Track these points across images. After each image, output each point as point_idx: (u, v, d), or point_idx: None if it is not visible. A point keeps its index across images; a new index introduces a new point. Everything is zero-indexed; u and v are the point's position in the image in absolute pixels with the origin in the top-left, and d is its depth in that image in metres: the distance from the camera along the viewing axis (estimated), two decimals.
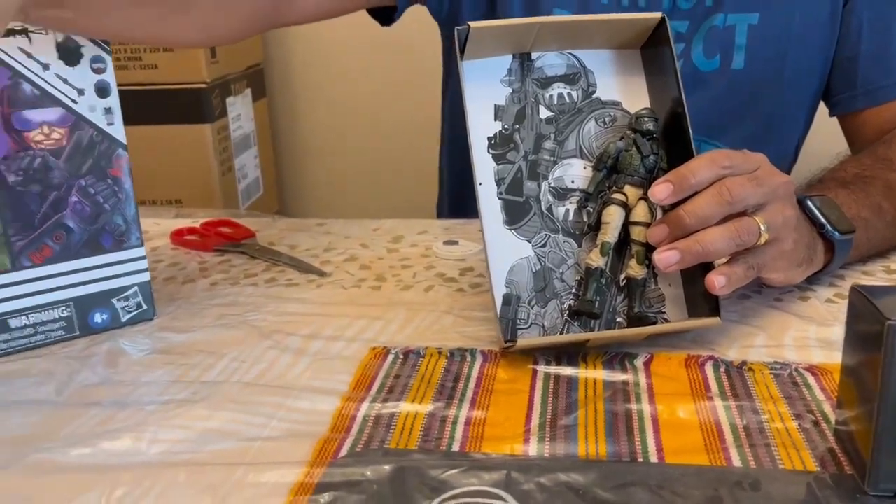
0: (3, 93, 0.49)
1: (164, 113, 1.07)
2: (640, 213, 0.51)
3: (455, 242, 0.70)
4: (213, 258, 0.70)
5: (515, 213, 0.52)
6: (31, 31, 0.49)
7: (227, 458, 0.40)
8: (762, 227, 0.48)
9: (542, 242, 0.52)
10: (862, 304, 0.36)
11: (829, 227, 0.55)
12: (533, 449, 0.40)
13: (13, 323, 0.52)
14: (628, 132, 0.52)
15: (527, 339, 0.49)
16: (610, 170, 0.52)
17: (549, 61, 0.54)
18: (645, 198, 0.51)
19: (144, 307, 0.57)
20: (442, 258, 0.67)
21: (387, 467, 0.38)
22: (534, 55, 0.54)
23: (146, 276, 0.56)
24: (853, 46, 0.74)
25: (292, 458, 0.40)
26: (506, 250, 0.51)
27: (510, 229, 0.52)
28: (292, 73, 1.42)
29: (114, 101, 0.53)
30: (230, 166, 1.17)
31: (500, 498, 0.36)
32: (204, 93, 1.08)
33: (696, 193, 0.48)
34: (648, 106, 0.53)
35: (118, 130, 0.53)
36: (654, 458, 0.39)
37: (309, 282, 0.64)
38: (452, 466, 0.38)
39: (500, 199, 0.52)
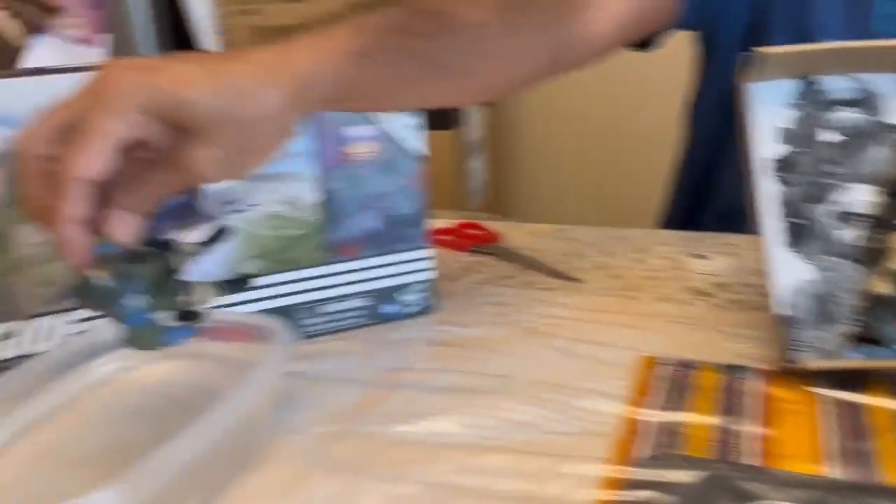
0: (335, 114, 0.57)
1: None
2: None
3: (704, 257, 0.71)
4: (469, 258, 0.76)
5: (797, 236, 0.53)
6: None
7: (534, 447, 0.45)
8: None
9: (826, 266, 0.52)
10: None
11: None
12: (834, 472, 0.41)
13: (324, 309, 0.60)
14: None
15: (812, 361, 0.50)
16: None
17: (836, 85, 0.54)
18: None
19: (427, 302, 0.63)
20: (695, 272, 0.69)
21: (692, 472, 0.41)
22: (818, 78, 0.54)
23: (430, 274, 0.63)
24: None
25: (591, 454, 0.44)
26: (785, 272, 0.52)
27: (791, 251, 0.53)
28: None
29: (418, 118, 0.59)
30: (463, 170, 1.24)
31: None
32: None
33: None
34: None
35: (419, 144, 0.60)
36: None
37: (564, 287, 0.68)
38: (760, 480, 0.40)
39: (781, 221, 0.53)
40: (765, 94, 0.54)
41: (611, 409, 0.48)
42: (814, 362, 0.50)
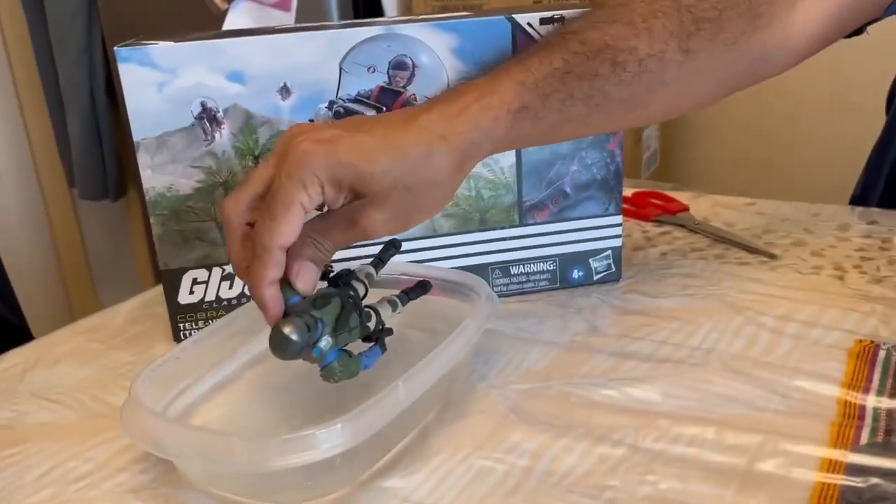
0: None
1: None
2: None
3: None
4: (654, 229, 0.74)
5: None
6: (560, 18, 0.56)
7: (745, 422, 0.43)
8: None
9: None
10: None
11: None
12: None
13: (513, 269, 0.61)
14: None
15: None
16: None
17: None
18: None
19: (613, 269, 0.62)
20: None
21: None
22: None
23: (619, 242, 0.62)
24: None
25: (810, 435, 0.42)
26: None
27: None
28: None
29: None
30: (639, 138, 1.21)
31: None
32: None
33: None
34: None
35: None
36: None
37: (760, 263, 0.65)
38: None
39: None
40: None
41: (827, 391, 0.46)
42: None
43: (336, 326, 0.42)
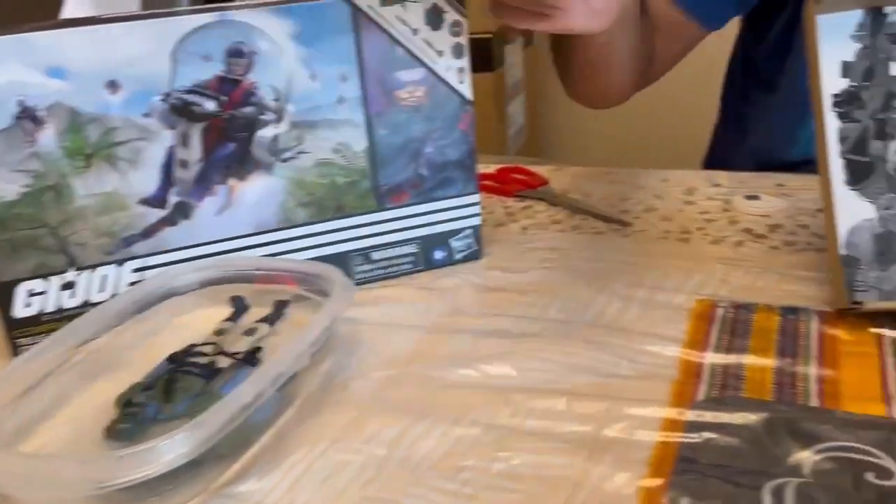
0: (381, 56, 0.56)
1: None
2: None
3: (756, 197, 0.70)
4: (516, 203, 0.75)
5: (858, 174, 0.52)
6: (407, 0, 0.55)
7: (595, 390, 0.45)
8: None
9: (888, 205, 0.51)
10: None
11: None
12: (895, 412, 0.41)
13: (374, 255, 0.60)
14: None
15: (874, 302, 0.49)
16: None
17: None
18: None
19: (474, 248, 0.63)
20: (746, 213, 0.68)
21: (753, 415, 0.41)
22: (887, 9, 0.52)
23: (478, 220, 0.63)
24: None
25: (652, 397, 0.44)
26: (845, 211, 0.51)
27: (852, 189, 0.51)
28: None
29: (465, 61, 0.58)
30: (503, 113, 1.23)
31: (875, 456, 0.37)
32: (490, 42, 1.14)
33: None
34: None
35: (466, 88, 0.59)
36: None
37: (614, 231, 0.67)
38: (822, 420, 0.40)
39: (842, 158, 0.52)
40: (830, 26, 0.52)
41: (670, 352, 0.48)
42: (874, 303, 0.49)
43: (167, 397, 0.45)
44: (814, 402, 0.42)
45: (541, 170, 0.83)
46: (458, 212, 0.62)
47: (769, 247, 0.61)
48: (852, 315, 0.50)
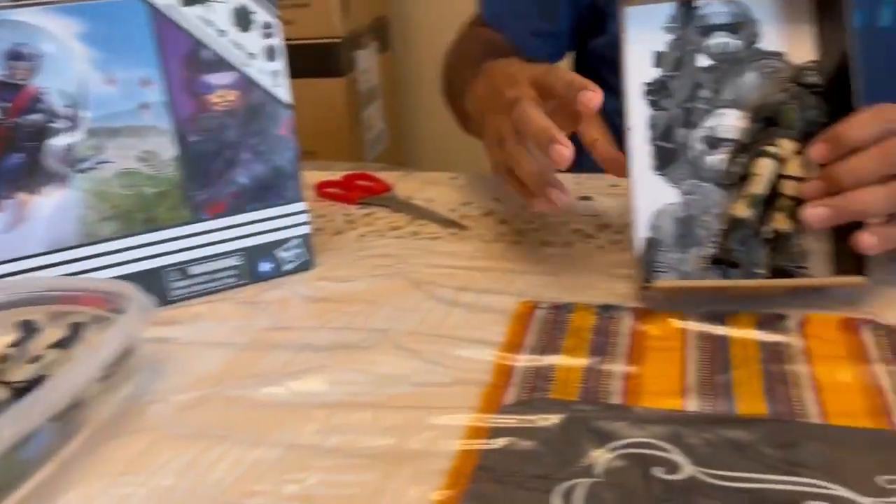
0: (186, 59, 0.53)
1: (301, 68, 1.10)
2: (794, 167, 0.51)
3: (589, 198, 0.71)
4: (358, 211, 0.74)
5: (665, 159, 0.53)
6: (210, 1, 0.52)
7: (403, 401, 0.44)
8: None
9: (690, 190, 0.53)
10: None
11: None
12: (692, 405, 0.41)
13: (192, 270, 0.57)
14: (790, 84, 0.52)
15: (664, 280, 0.51)
16: (767, 122, 0.52)
17: (714, 9, 0.54)
18: (802, 152, 0.51)
19: (305, 258, 0.61)
20: (578, 213, 0.68)
21: (555, 416, 0.41)
22: (698, 3, 0.54)
23: (306, 229, 0.60)
24: None
25: (461, 404, 0.43)
26: (651, 195, 0.52)
27: (658, 174, 0.53)
28: (416, 25, 1.44)
29: (281, 64, 0.56)
30: (358, 119, 1.20)
31: (666, 450, 0.38)
32: (337, 47, 1.11)
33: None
34: (812, 58, 0.52)
35: (284, 92, 0.57)
36: (816, 420, 0.40)
37: (451, 235, 0.66)
38: (617, 418, 0.40)
39: (650, 144, 0.53)
40: (641, 17, 0.53)
41: (486, 356, 0.48)
42: (667, 282, 0.50)
43: None
44: (616, 399, 0.42)
45: (388, 176, 0.82)
46: (284, 221, 0.59)
47: (596, 246, 0.62)
48: (663, 311, 0.51)
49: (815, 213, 0.48)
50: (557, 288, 0.56)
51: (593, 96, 0.49)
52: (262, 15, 0.54)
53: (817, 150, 0.48)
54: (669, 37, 0.54)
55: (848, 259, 0.49)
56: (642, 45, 0.53)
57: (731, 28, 0.53)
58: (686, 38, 0.54)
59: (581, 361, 0.46)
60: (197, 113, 0.54)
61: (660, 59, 0.54)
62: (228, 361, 0.49)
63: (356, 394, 0.45)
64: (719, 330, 0.48)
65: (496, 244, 0.64)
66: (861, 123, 0.47)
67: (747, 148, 0.52)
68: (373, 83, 1.30)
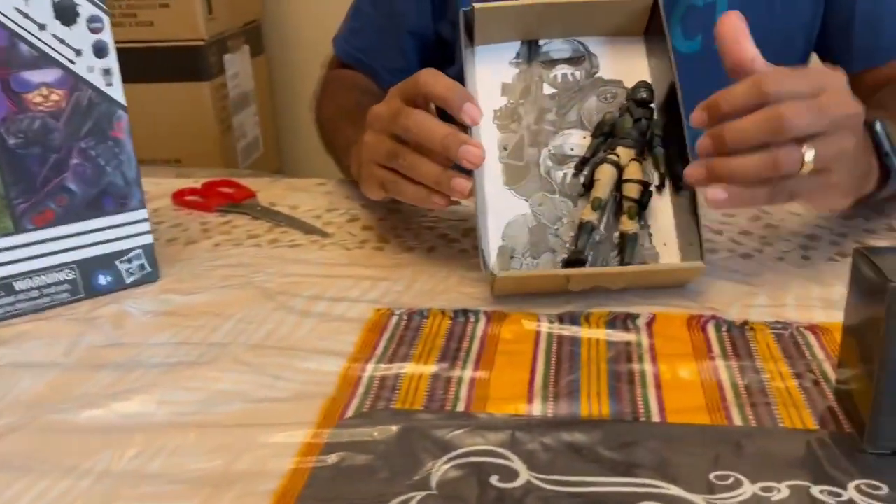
0: (1, 54, 0.48)
1: (162, 71, 1.05)
2: (633, 171, 0.53)
3: (458, 203, 0.70)
4: (216, 219, 0.70)
5: (515, 175, 0.55)
6: None
7: (236, 419, 0.41)
8: (807, 157, 0.45)
9: (540, 202, 0.55)
10: (865, 266, 0.36)
11: (892, 156, 0.52)
12: (536, 409, 0.40)
13: (18, 285, 0.52)
14: (624, 101, 0.55)
15: (508, 272, 0.52)
16: (606, 136, 0.55)
17: (556, 47, 0.58)
18: (637, 158, 0.54)
19: (148, 269, 0.57)
20: (445, 218, 0.67)
21: (393, 427, 0.39)
22: (541, 41, 0.58)
23: (149, 238, 0.56)
24: (846, 11, 0.72)
25: (300, 419, 0.40)
26: (504, 207, 0.55)
27: (509, 188, 0.55)
28: (291, 28, 1.40)
29: (112, 61, 0.52)
30: (229, 125, 1.16)
31: (505, 458, 0.36)
32: (201, 50, 1.06)
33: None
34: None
35: (117, 91, 0.53)
36: (656, 418, 0.39)
37: (312, 242, 0.64)
38: (458, 427, 0.38)
39: (501, 162, 0.56)
40: (490, 53, 0.57)
41: (332, 367, 0.45)
42: (511, 272, 0.51)
43: None
44: (461, 406, 0.41)
45: (254, 182, 0.79)
46: (124, 230, 0.55)
47: (459, 250, 0.61)
48: (516, 312, 0.50)
49: (691, 171, 0.48)
50: (415, 294, 0.54)
51: (476, 153, 0.49)
52: (87, 8, 0.50)
53: (696, 116, 0.48)
54: (516, 70, 0.57)
55: (697, 256, 0.50)
56: (490, 77, 0.57)
57: (573, 62, 0.57)
58: (531, 71, 0.57)
59: (429, 368, 0.44)
60: (15, 113, 0.49)
61: (507, 88, 0.57)
62: (50, 384, 0.45)
63: (185, 413, 0.41)
64: (571, 331, 0.48)
65: (358, 251, 0.62)
66: (734, 93, 0.46)
67: (589, 161, 0.55)
68: (245, 88, 1.25)
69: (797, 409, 0.39)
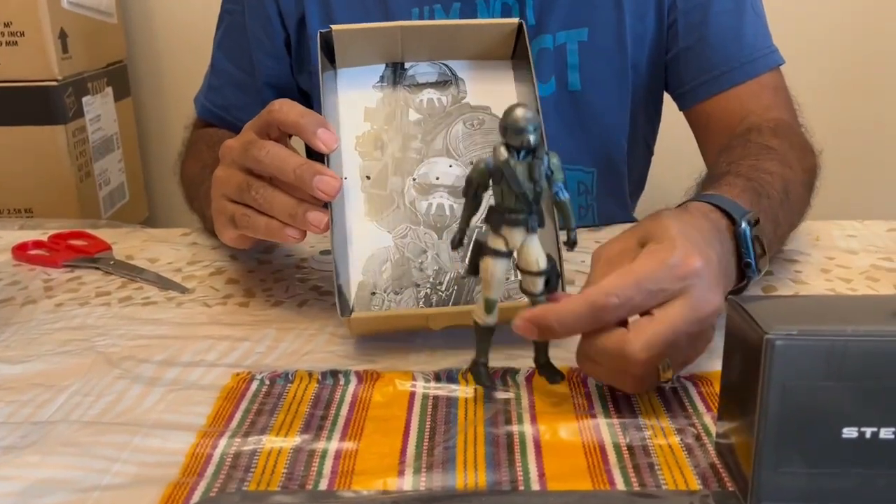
0: None
1: (11, 113, 0.96)
2: (528, 260, 0.41)
3: (329, 252, 0.66)
4: (62, 275, 0.63)
5: (378, 206, 0.52)
6: None
7: None
8: (664, 376, 0.40)
9: (403, 234, 0.52)
10: (739, 316, 0.35)
11: (753, 266, 0.47)
12: (408, 482, 0.37)
13: None
14: (501, 149, 0.40)
15: (361, 313, 0.48)
16: (477, 194, 0.42)
17: (421, 70, 0.55)
18: (532, 232, 0.41)
19: None
20: (318, 269, 0.63)
21: None
22: (406, 64, 0.55)
23: None
24: (683, 39, 0.72)
25: None
26: (365, 240, 0.51)
27: (371, 220, 0.52)
28: (159, 70, 1.33)
29: None
30: (89, 171, 1.07)
31: None
32: (55, 91, 0.98)
33: None
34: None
35: None
36: (535, 485, 0.36)
37: (168, 299, 0.58)
38: None
39: (363, 192, 0.52)
40: (353, 77, 0.54)
41: (180, 445, 0.40)
42: (367, 313, 0.48)
43: None
44: (324, 484, 0.37)
45: (110, 234, 0.72)
46: None
47: (331, 304, 0.57)
48: (393, 373, 0.46)
49: (524, 326, 0.41)
50: (280, 354, 0.49)
51: (331, 184, 0.46)
52: None
53: (521, 329, 0.41)
54: (380, 94, 0.54)
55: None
56: (353, 101, 0.53)
57: (439, 86, 0.55)
58: (396, 95, 0.54)
59: (290, 441, 0.40)
60: None
61: (370, 113, 0.54)
62: None
63: None
64: (447, 389, 0.45)
65: (220, 307, 0.57)
66: (569, 316, 0.40)
67: (464, 236, 0.43)
68: (108, 132, 1.17)
69: (680, 468, 0.37)
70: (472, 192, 0.42)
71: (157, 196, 1.37)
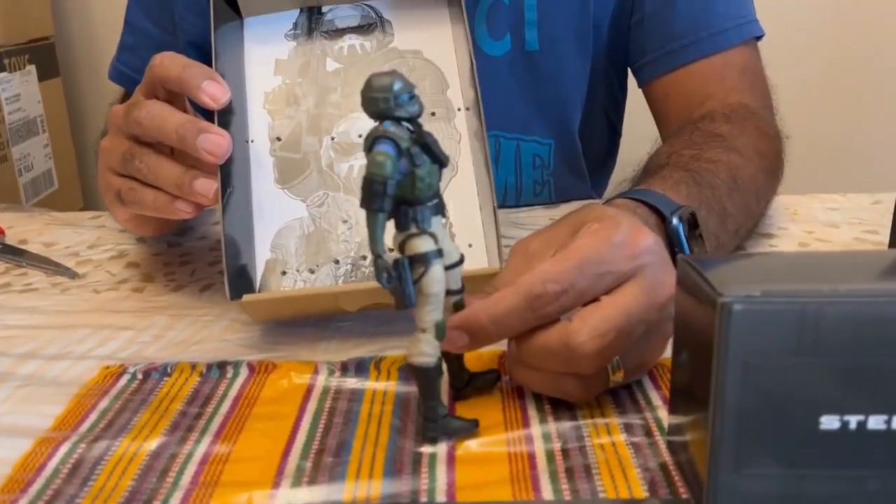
0: None
1: None
2: (448, 249, 0.32)
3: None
4: None
5: (290, 171, 0.45)
6: None
7: None
8: (613, 379, 0.34)
9: (320, 202, 0.44)
10: (691, 280, 0.28)
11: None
12: (282, 497, 0.29)
13: None
14: (393, 128, 0.31)
15: (256, 294, 0.41)
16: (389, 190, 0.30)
17: (341, 13, 0.48)
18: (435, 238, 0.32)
19: None
20: None
21: None
22: (324, 8, 0.48)
23: None
24: (650, 2, 0.64)
25: None
26: (275, 211, 0.44)
27: (282, 188, 0.44)
28: (93, 49, 1.24)
29: None
30: (5, 155, 0.99)
31: None
32: None
33: None
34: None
35: None
36: (441, 498, 0.29)
37: (54, 286, 0.51)
38: None
39: (272, 156, 0.45)
40: (260, 26, 0.47)
41: (13, 453, 0.32)
42: (259, 295, 0.41)
43: None
44: (176, 498, 0.29)
45: (9, 218, 0.64)
46: None
47: None
48: (293, 363, 0.39)
49: (451, 335, 0.32)
50: (164, 345, 0.42)
51: (218, 142, 0.39)
52: None
53: (454, 341, 0.33)
54: (292, 43, 0.47)
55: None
56: (261, 54, 0.46)
57: (362, 30, 0.47)
58: (312, 44, 0.47)
59: (150, 444, 0.32)
60: None
61: (281, 66, 0.47)
62: None
63: None
64: (353, 382, 0.37)
65: (110, 293, 0.49)
66: (505, 313, 0.32)
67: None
68: (30, 114, 1.08)
69: (623, 472, 0.30)
70: (383, 192, 0.29)
71: (94, 185, 1.29)
